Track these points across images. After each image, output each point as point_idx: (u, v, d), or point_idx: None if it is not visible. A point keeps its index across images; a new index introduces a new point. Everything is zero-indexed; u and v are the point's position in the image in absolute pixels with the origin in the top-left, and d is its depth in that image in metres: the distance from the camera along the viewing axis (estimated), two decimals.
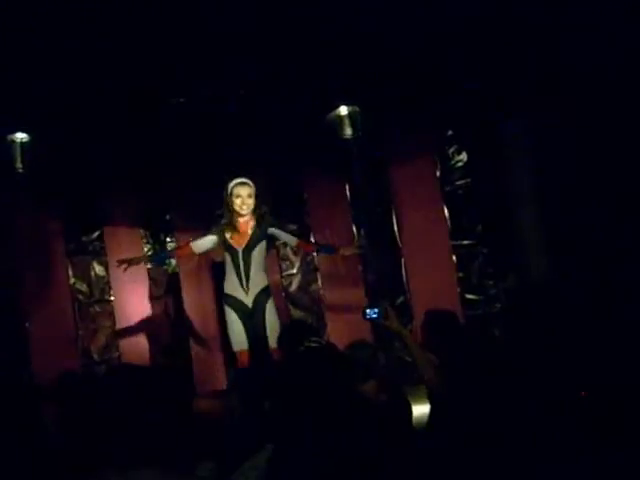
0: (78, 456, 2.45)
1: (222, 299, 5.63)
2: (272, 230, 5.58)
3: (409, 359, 3.14)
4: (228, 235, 5.49)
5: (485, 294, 6.36)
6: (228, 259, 5.52)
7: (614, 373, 2.25)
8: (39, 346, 6.42)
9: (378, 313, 2.95)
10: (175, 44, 4.92)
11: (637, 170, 5.02)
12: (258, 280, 5.51)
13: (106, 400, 2.52)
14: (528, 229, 5.93)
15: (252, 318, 5.47)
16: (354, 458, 2.06)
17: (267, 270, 5.69)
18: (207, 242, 5.61)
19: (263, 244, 5.55)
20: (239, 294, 5.49)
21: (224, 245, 5.52)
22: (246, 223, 5.50)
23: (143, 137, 6.04)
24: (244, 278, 5.48)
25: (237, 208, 5.44)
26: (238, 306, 5.49)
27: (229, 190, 5.47)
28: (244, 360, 5.39)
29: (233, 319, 5.50)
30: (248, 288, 5.48)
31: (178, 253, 6.07)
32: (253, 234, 5.48)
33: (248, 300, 5.48)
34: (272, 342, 5.39)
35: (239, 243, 5.49)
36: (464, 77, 5.56)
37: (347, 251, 5.95)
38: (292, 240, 5.85)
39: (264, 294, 5.52)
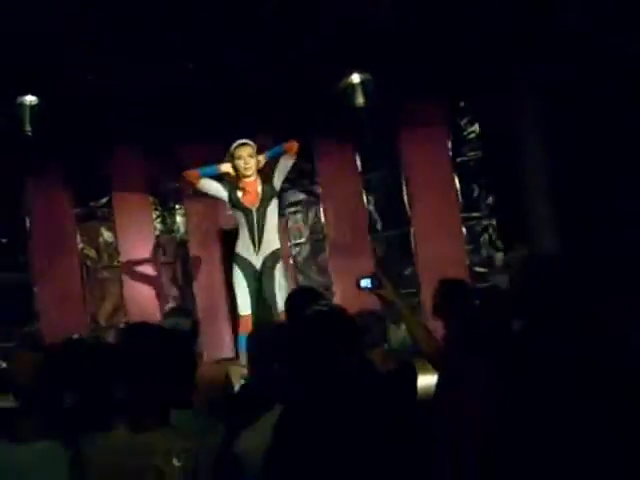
0: (88, 415, 2.46)
1: (231, 258, 5.64)
2: (275, 179, 5.55)
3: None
4: (240, 194, 5.50)
5: (493, 266, 6.35)
6: (241, 219, 5.54)
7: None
8: (47, 310, 6.46)
9: (372, 283, 2.87)
10: (185, 11, 4.88)
11: None
12: (270, 242, 5.55)
13: (114, 359, 2.53)
14: (539, 202, 5.89)
15: (260, 281, 5.51)
16: (360, 420, 2.06)
17: (280, 233, 5.70)
18: (213, 188, 5.56)
19: (274, 203, 5.59)
20: (249, 255, 5.52)
21: (235, 204, 5.53)
22: (253, 183, 5.53)
23: (152, 103, 6.01)
24: (257, 238, 5.51)
25: (242, 170, 5.48)
26: (246, 267, 5.52)
27: (232, 153, 5.52)
28: (247, 324, 5.41)
29: (240, 281, 5.54)
30: (259, 249, 5.51)
31: (187, 173, 5.69)
32: (263, 192, 5.51)
33: (257, 261, 5.51)
34: (282, 305, 5.43)
35: (252, 202, 5.51)
36: (478, 44, 5.50)
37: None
38: (282, 149, 5.55)
39: (274, 256, 5.55)
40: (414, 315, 2.99)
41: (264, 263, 5.51)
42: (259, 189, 5.53)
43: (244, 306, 5.52)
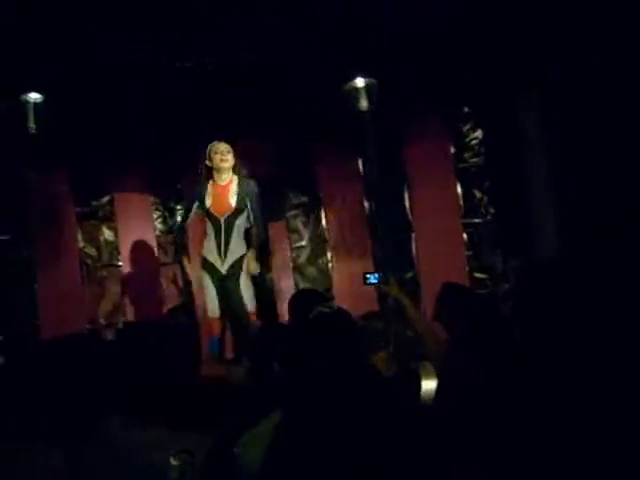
0: (82, 413, 2.44)
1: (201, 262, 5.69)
2: (246, 201, 5.60)
3: (411, 330, 3.08)
4: (209, 202, 5.53)
5: (493, 273, 6.33)
6: (209, 225, 5.59)
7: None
8: (46, 308, 6.43)
9: (379, 278, 2.89)
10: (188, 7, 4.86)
11: None
12: (237, 249, 5.58)
13: (113, 360, 2.52)
14: (540, 209, 5.87)
15: (225, 284, 5.56)
16: (361, 426, 2.04)
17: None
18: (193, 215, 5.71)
19: (246, 213, 5.60)
20: (215, 261, 5.57)
21: (206, 213, 5.59)
22: (226, 188, 5.56)
23: (156, 103, 6.00)
24: (223, 246, 5.55)
25: (217, 163, 5.54)
26: (212, 271, 5.58)
27: (208, 151, 5.60)
28: (213, 328, 5.53)
29: (207, 284, 5.61)
30: (225, 257, 5.55)
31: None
32: (237, 203, 5.54)
33: (223, 267, 5.56)
34: (249, 306, 5.54)
35: (221, 212, 5.55)
36: (484, 53, 5.49)
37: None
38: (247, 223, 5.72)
39: (240, 263, 5.58)
40: (419, 313, 2.98)
41: (229, 269, 5.56)
42: (232, 200, 5.55)
43: (211, 310, 5.58)
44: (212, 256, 5.58)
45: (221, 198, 5.56)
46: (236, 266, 5.56)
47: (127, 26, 4.96)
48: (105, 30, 4.99)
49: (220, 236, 5.53)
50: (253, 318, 5.51)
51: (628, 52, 4.89)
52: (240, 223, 5.57)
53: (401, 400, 2.50)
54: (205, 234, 5.67)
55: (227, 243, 5.53)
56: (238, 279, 5.55)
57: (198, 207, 5.63)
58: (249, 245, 5.65)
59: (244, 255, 5.60)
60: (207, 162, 5.61)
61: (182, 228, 6.13)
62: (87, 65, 5.30)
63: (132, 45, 5.17)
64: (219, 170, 5.57)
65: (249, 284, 5.60)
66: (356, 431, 2.04)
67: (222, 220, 5.54)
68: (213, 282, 5.58)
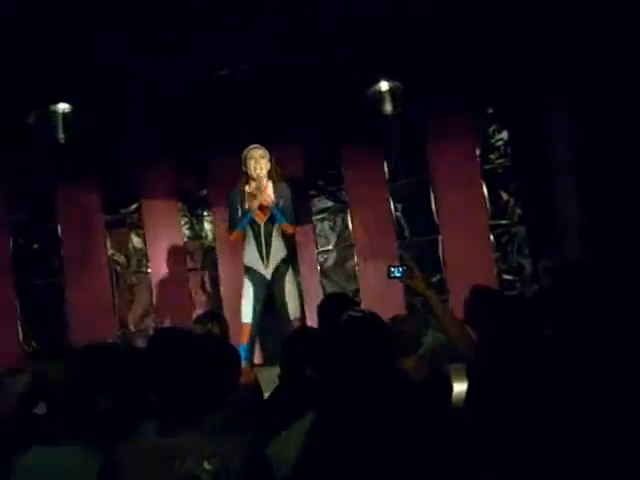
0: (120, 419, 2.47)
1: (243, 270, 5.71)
2: (278, 203, 5.59)
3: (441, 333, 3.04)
4: (254, 205, 5.53)
5: (522, 275, 6.29)
6: (249, 231, 5.60)
7: None
8: (77, 315, 6.51)
9: (403, 272, 2.78)
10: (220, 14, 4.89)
11: None
12: (278, 251, 5.59)
13: (145, 364, 2.55)
14: (567, 210, 5.84)
15: (271, 289, 5.55)
16: (393, 430, 2.05)
17: (286, 240, 5.74)
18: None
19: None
20: (259, 267, 5.58)
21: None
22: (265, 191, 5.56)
23: (183, 112, 6.05)
24: (265, 251, 5.55)
25: (251, 171, 5.54)
26: (257, 279, 5.58)
27: (243, 156, 5.60)
28: (244, 333, 5.48)
29: (249, 292, 5.60)
30: (268, 260, 5.55)
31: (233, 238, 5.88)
32: (274, 206, 5.54)
33: (267, 272, 5.56)
34: (292, 312, 5.51)
35: (261, 217, 5.57)
36: (508, 55, 5.47)
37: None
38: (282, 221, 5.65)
39: (284, 264, 5.61)
40: (446, 309, 2.90)
41: (274, 273, 5.56)
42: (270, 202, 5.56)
43: (246, 315, 5.56)
44: (255, 262, 5.59)
45: (263, 203, 5.57)
46: (280, 269, 5.57)
47: (157, 36, 5.01)
48: (134, 39, 5.04)
49: (261, 241, 5.55)
50: (296, 325, 5.43)
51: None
52: (279, 226, 5.61)
53: (432, 404, 2.50)
54: (245, 241, 5.69)
55: (268, 247, 5.55)
56: (282, 284, 5.55)
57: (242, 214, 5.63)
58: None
59: (287, 256, 5.65)
60: (243, 167, 5.63)
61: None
62: (115, 75, 5.36)
63: (161, 54, 5.21)
64: (255, 178, 5.57)
65: (294, 291, 5.63)
66: (387, 435, 2.04)
67: (262, 224, 5.56)
68: (256, 289, 5.57)
